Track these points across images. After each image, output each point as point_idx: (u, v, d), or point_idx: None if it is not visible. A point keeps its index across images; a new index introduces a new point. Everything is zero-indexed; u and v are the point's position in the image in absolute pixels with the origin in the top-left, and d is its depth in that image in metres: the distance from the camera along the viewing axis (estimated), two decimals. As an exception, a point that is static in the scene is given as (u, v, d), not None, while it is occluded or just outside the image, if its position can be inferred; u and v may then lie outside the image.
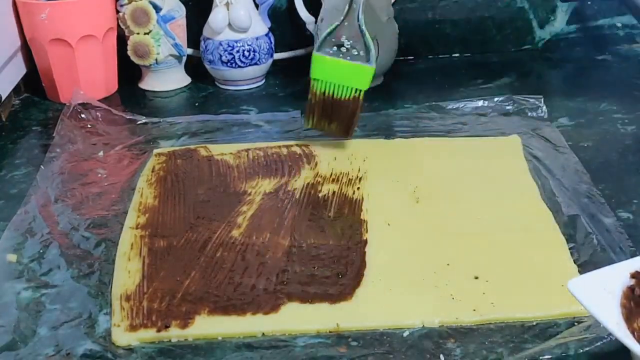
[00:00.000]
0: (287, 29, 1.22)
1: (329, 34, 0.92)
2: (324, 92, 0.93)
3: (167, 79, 1.17)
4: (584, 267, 0.72)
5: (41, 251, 0.78)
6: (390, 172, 0.90)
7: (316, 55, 0.92)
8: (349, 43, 0.91)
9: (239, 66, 1.13)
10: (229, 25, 1.12)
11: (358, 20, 0.91)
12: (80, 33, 1.08)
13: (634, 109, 1.04)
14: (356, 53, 0.91)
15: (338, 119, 0.94)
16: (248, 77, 1.16)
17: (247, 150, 0.96)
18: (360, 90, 0.91)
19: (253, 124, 1.04)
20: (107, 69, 1.14)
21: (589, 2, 1.25)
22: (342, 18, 0.92)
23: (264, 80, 1.18)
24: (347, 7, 0.92)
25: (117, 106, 1.10)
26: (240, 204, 0.85)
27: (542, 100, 1.04)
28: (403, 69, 1.20)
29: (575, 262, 0.73)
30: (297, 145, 0.97)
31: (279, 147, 0.96)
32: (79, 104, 1.05)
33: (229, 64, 1.13)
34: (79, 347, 0.65)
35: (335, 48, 0.91)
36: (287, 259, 0.75)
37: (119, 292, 0.71)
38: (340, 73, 0.91)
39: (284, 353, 0.64)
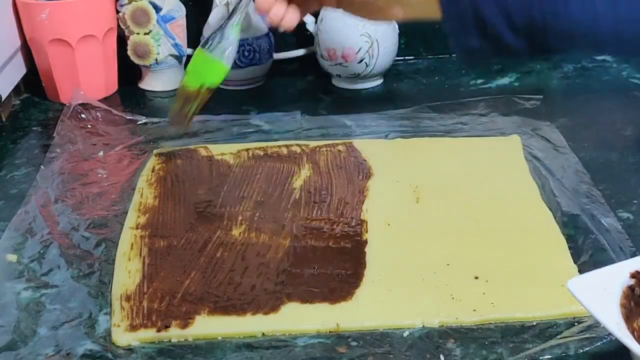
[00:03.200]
0: (287, 29, 1.22)
1: (218, 29, 0.90)
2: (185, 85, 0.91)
3: (167, 79, 1.17)
4: (584, 267, 0.72)
5: (41, 251, 0.78)
6: (390, 172, 0.90)
7: (199, 49, 0.90)
8: (217, 38, 0.88)
9: (239, 66, 1.13)
10: (229, 25, 1.12)
11: (228, 19, 0.88)
12: (80, 33, 1.08)
13: (634, 109, 1.04)
14: (217, 50, 0.88)
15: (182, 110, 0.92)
16: (248, 77, 1.16)
17: (247, 150, 0.96)
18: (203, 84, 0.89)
19: (253, 124, 1.04)
20: (107, 69, 1.13)
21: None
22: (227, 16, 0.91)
23: (264, 80, 1.18)
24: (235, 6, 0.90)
25: (117, 106, 1.10)
26: (240, 204, 0.85)
27: (542, 100, 1.04)
28: (403, 69, 1.20)
29: (575, 262, 0.73)
30: (297, 145, 0.97)
31: (279, 147, 0.96)
32: (79, 104, 1.05)
33: (229, 64, 1.13)
34: (79, 347, 0.65)
35: (210, 41, 0.89)
36: (287, 259, 0.75)
37: (119, 292, 0.71)
38: (198, 64, 0.90)
39: (284, 353, 0.64)
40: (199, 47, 0.89)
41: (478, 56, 0.80)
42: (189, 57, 1.18)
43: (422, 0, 0.78)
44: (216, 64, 0.88)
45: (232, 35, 0.88)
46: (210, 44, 0.88)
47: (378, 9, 0.81)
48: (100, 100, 1.09)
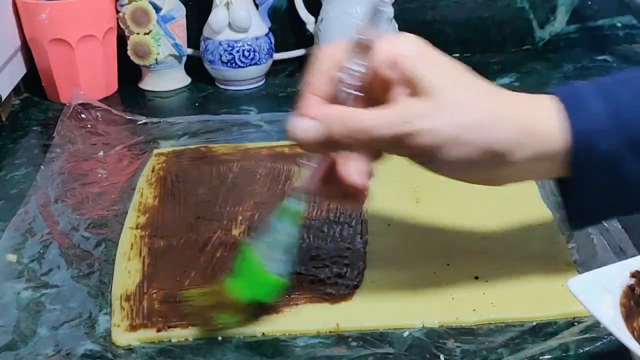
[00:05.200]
0: (287, 29, 1.22)
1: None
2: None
3: (167, 79, 1.17)
4: (584, 267, 0.72)
5: (41, 251, 0.78)
6: (390, 172, 0.90)
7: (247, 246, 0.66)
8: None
9: (239, 66, 1.13)
10: (229, 25, 1.12)
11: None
12: (80, 33, 1.08)
13: (634, 109, 1.04)
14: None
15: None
16: (248, 77, 1.16)
17: (247, 150, 0.96)
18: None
19: (253, 124, 1.04)
20: (107, 69, 1.13)
21: (589, 2, 1.25)
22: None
23: (264, 80, 1.18)
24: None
25: (117, 106, 1.10)
26: (240, 204, 0.85)
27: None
28: (403, 69, 1.20)
29: (575, 262, 0.73)
30: (297, 145, 0.96)
31: (279, 147, 0.96)
32: (79, 104, 1.05)
33: (229, 64, 1.13)
34: (79, 347, 0.65)
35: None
36: (287, 259, 0.75)
37: (119, 292, 0.71)
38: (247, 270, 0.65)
39: (284, 353, 0.64)
40: (248, 246, 0.66)
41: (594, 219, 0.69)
42: (189, 57, 1.18)
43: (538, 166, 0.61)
44: (270, 277, 0.65)
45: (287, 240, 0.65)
46: (264, 253, 0.64)
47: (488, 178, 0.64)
48: (100, 100, 1.09)
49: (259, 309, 0.68)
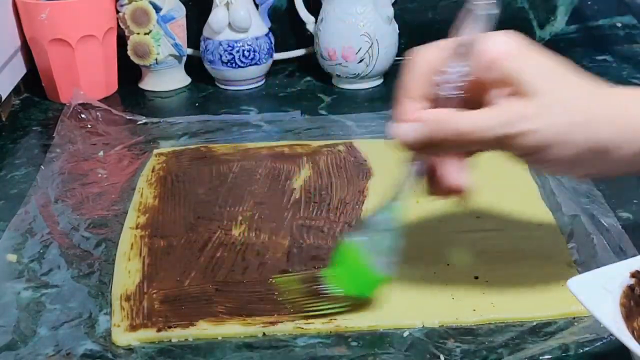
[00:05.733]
0: (287, 29, 1.22)
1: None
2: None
3: (167, 79, 1.17)
4: (584, 267, 0.72)
5: (41, 251, 0.78)
6: (391, 172, 0.90)
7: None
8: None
9: (239, 66, 1.13)
10: (229, 25, 1.12)
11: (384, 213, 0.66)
12: (80, 33, 1.08)
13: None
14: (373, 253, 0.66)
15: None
16: (248, 77, 1.16)
17: (247, 150, 0.96)
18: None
19: (253, 124, 1.04)
20: (107, 69, 1.14)
21: (588, 2, 1.25)
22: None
23: (264, 80, 1.18)
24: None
25: (117, 106, 1.10)
26: (240, 204, 0.85)
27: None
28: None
29: (575, 262, 0.73)
30: (297, 145, 0.97)
31: (279, 147, 0.96)
32: (79, 104, 1.05)
33: (229, 64, 1.13)
34: (79, 347, 0.65)
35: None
36: (287, 259, 0.75)
37: (119, 292, 0.71)
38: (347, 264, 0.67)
39: (284, 353, 0.64)
40: (351, 241, 0.67)
41: None
42: (189, 57, 1.18)
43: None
44: (373, 274, 0.66)
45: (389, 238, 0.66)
46: (366, 242, 0.66)
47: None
48: (100, 100, 1.09)
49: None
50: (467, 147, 0.60)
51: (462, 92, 0.59)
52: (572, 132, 0.57)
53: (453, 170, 0.60)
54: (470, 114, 0.58)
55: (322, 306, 0.67)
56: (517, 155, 0.60)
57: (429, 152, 0.61)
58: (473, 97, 0.60)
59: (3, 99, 1.05)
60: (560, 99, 0.57)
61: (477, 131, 0.57)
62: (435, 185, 0.62)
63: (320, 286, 0.66)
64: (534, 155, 0.58)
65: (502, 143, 0.58)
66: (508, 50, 0.58)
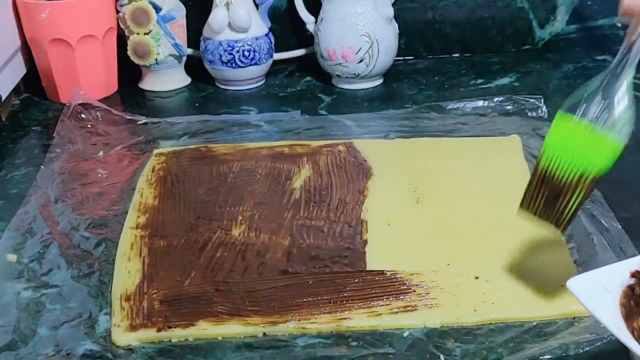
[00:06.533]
0: (287, 29, 1.22)
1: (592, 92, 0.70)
2: (549, 167, 0.67)
3: (167, 79, 1.17)
4: (584, 267, 0.72)
5: (41, 251, 0.78)
6: (390, 172, 0.90)
7: (562, 115, 0.68)
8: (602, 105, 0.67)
9: (239, 66, 1.13)
10: (229, 25, 1.12)
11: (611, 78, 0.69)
12: (80, 33, 1.08)
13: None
14: (603, 120, 0.66)
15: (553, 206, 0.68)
16: (248, 77, 1.16)
17: (247, 150, 0.96)
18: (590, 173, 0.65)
19: (253, 124, 1.04)
20: (107, 69, 1.14)
21: (588, 2, 1.25)
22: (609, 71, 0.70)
23: (264, 80, 1.18)
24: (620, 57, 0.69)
25: (117, 106, 1.10)
26: (240, 204, 0.85)
27: (542, 100, 1.04)
28: (403, 69, 1.20)
29: (575, 262, 0.73)
30: (297, 145, 0.97)
31: (279, 147, 0.96)
32: (79, 104, 1.05)
33: (229, 64, 1.13)
34: (79, 347, 0.65)
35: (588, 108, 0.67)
36: (287, 259, 0.75)
37: (119, 292, 0.71)
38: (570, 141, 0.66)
39: (284, 353, 0.64)
40: (565, 113, 0.68)
41: None
42: (189, 57, 1.18)
43: None
44: (606, 142, 0.64)
45: (626, 99, 0.66)
46: (594, 114, 0.66)
47: None
48: (100, 100, 1.09)
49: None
50: None
51: None
52: None
53: None
54: None
55: (568, 203, 0.65)
56: None
57: None
58: None
59: (3, 99, 1.05)
60: None
61: None
62: None
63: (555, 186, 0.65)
64: None
65: None
66: None
